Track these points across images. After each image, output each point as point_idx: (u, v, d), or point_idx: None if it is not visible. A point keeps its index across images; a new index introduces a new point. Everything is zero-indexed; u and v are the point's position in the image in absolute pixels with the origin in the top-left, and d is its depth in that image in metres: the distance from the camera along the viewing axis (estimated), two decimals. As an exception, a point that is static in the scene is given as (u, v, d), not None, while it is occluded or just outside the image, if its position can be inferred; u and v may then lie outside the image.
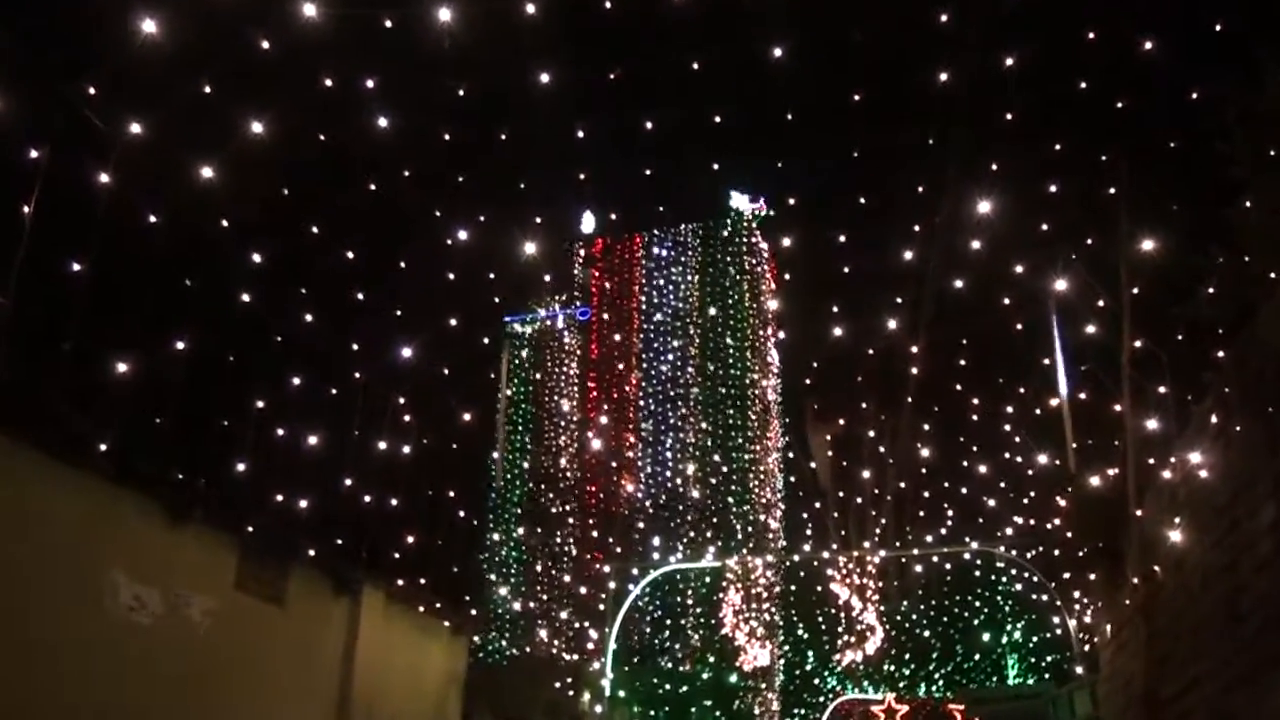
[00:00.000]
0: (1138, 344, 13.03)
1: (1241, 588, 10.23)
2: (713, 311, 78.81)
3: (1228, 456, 10.39)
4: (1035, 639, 46.64)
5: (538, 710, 28.68)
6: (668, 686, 42.75)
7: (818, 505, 52.62)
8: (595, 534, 48.05)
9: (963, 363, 21.33)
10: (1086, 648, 26.87)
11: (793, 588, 54.92)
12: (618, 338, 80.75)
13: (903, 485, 30.54)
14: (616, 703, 35.53)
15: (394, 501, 18.07)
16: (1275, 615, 9.26)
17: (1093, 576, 17.01)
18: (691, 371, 79.81)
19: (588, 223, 77.54)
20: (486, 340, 20.07)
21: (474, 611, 22.18)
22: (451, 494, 20.69)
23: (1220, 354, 10.81)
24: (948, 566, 35.85)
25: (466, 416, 19.24)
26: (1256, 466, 9.49)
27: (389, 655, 20.82)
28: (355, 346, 17.10)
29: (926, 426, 24.70)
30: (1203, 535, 11.41)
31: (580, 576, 38.45)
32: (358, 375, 17.43)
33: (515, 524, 25.39)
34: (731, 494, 66.08)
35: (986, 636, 50.96)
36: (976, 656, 52.61)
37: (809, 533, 41.38)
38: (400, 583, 18.81)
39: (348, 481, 16.83)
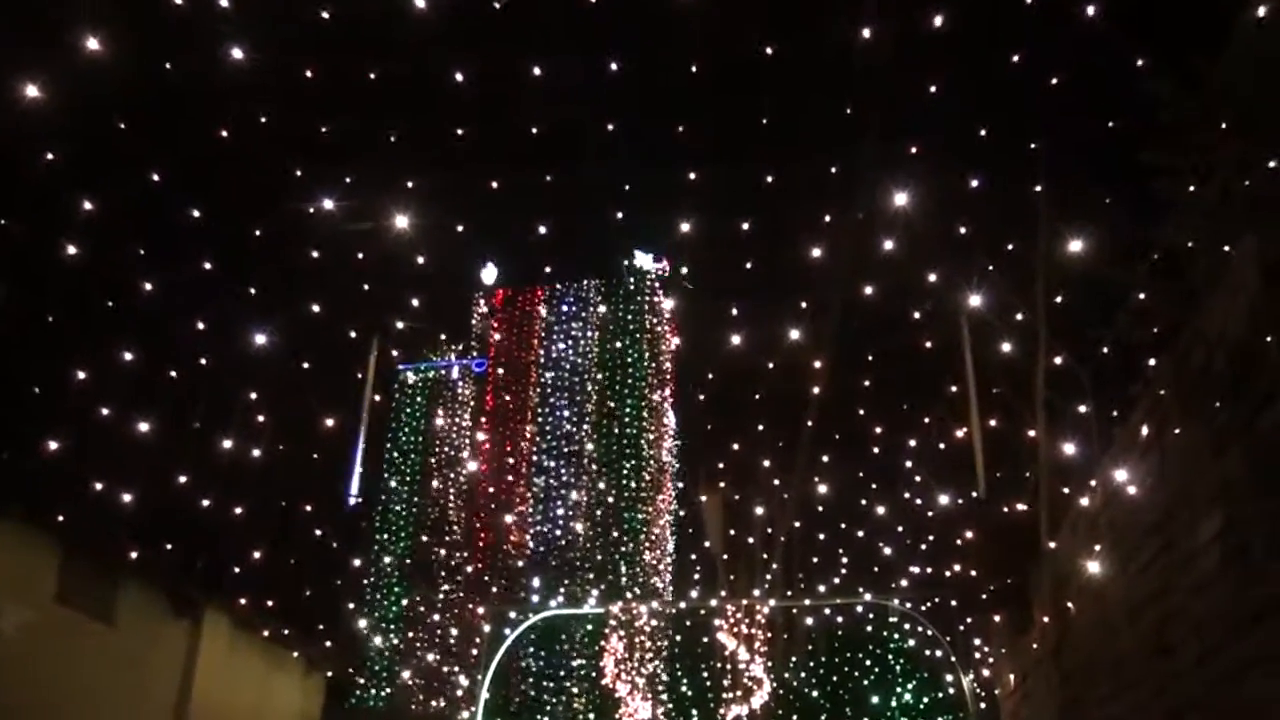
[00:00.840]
0: (1057, 360, 12.28)
1: (1173, 614, 9.44)
2: (609, 371, 78.44)
3: (1162, 469, 9.63)
4: (927, 699, 46.07)
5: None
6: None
7: (706, 544, 51.91)
8: (472, 574, 46.43)
9: (866, 383, 20.39)
10: (984, 704, 26.22)
11: (678, 638, 53.99)
12: (514, 390, 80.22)
13: (797, 525, 29.57)
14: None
15: (239, 510, 16.45)
16: (1215, 642, 8.44)
17: (997, 619, 16.19)
18: (587, 428, 79.82)
19: (489, 274, 77.60)
20: (354, 334, 18.48)
21: (330, 644, 20.51)
22: (308, 508, 19.06)
23: (1152, 362, 10.06)
24: (839, 619, 35.07)
25: (329, 422, 17.68)
26: (1196, 475, 8.73)
27: (233, 688, 19.23)
28: (200, 325, 15.45)
29: (825, 458, 23.72)
30: (1127, 563, 10.65)
31: (453, 618, 36.77)
32: (202, 360, 15.78)
33: (383, 553, 23.67)
34: (621, 547, 65.36)
35: (876, 699, 50.34)
36: (864, 720, 51.99)
37: (696, 577, 40.59)
38: (245, 603, 17.11)
39: (183, 479, 15.15)
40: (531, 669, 63.46)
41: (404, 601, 29.10)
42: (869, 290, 15.23)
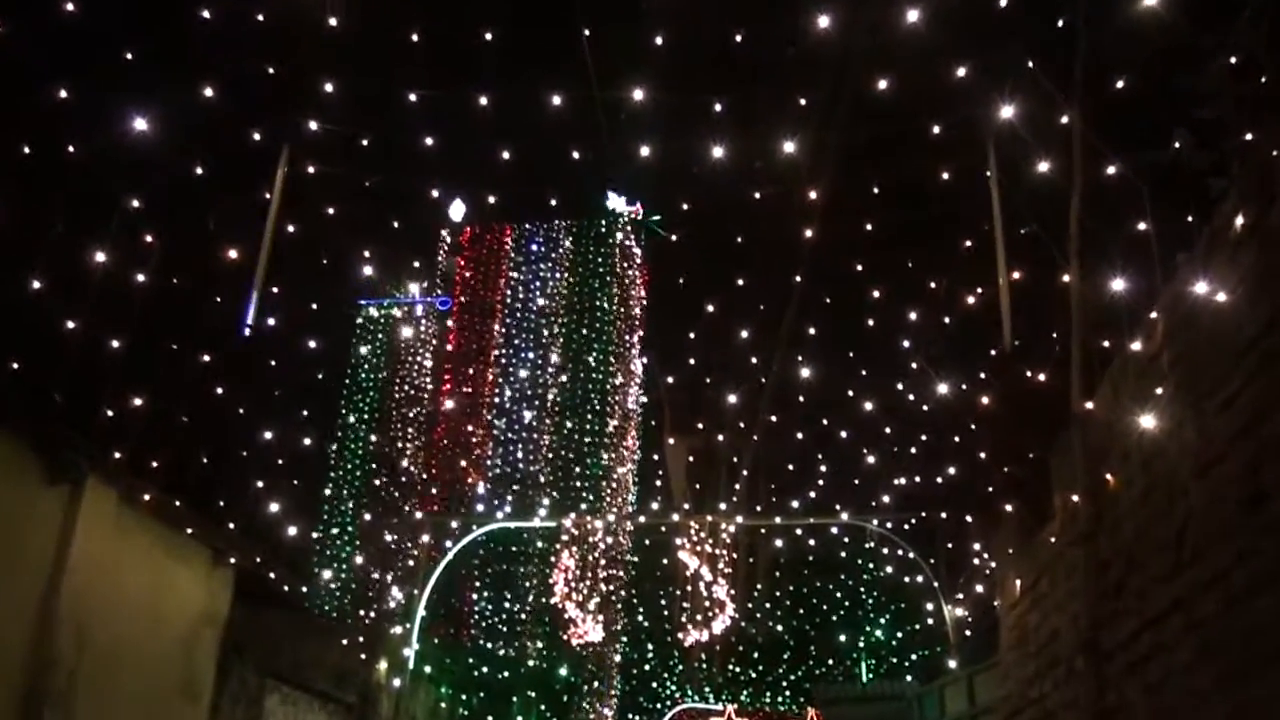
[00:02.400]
0: (1110, 171, 10.25)
1: (1271, 449, 7.48)
2: (577, 314, 78.28)
3: (1263, 267, 7.61)
4: (901, 634, 44.56)
5: (321, 675, 25.02)
6: (485, 669, 39.23)
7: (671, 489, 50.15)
8: (416, 484, 44.36)
9: (868, 228, 18.06)
10: (968, 631, 24.62)
11: (635, 557, 52.33)
12: (479, 329, 79.97)
13: (773, 419, 27.61)
14: (420, 679, 32.04)
15: (115, 344, 14.18)
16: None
17: (1007, 512, 14.28)
18: (552, 371, 79.93)
19: (457, 209, 77.00)
20: (258, 137, 15.94)
21: (235, 530, 18.40)
22: (204, 358, 16.70)
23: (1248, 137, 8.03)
24: (811, 542, 33.37)
25: (232, 254, 15.29)
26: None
27: (117, 572, 17.11)
28: (63, 94, 12.95)
29: (811, 330, 21.64)
30: (1201, 403, 8.68)
31: (388, 520, 34.55)
32: (70, 148, 13.32)
33: (300, 432, 21.68)
34: (582, 481, 64.26)
35: (843, 637, 48.86)
36: (829, 661, 50.52)
37: (656, 506, 38.86)
38: (125, 462, 14.90)
39: (36, 286, 12.79)
40: (475, 585, 62.49)
41: (328, 492, 26.83)
42: (882, 84, 13.05)
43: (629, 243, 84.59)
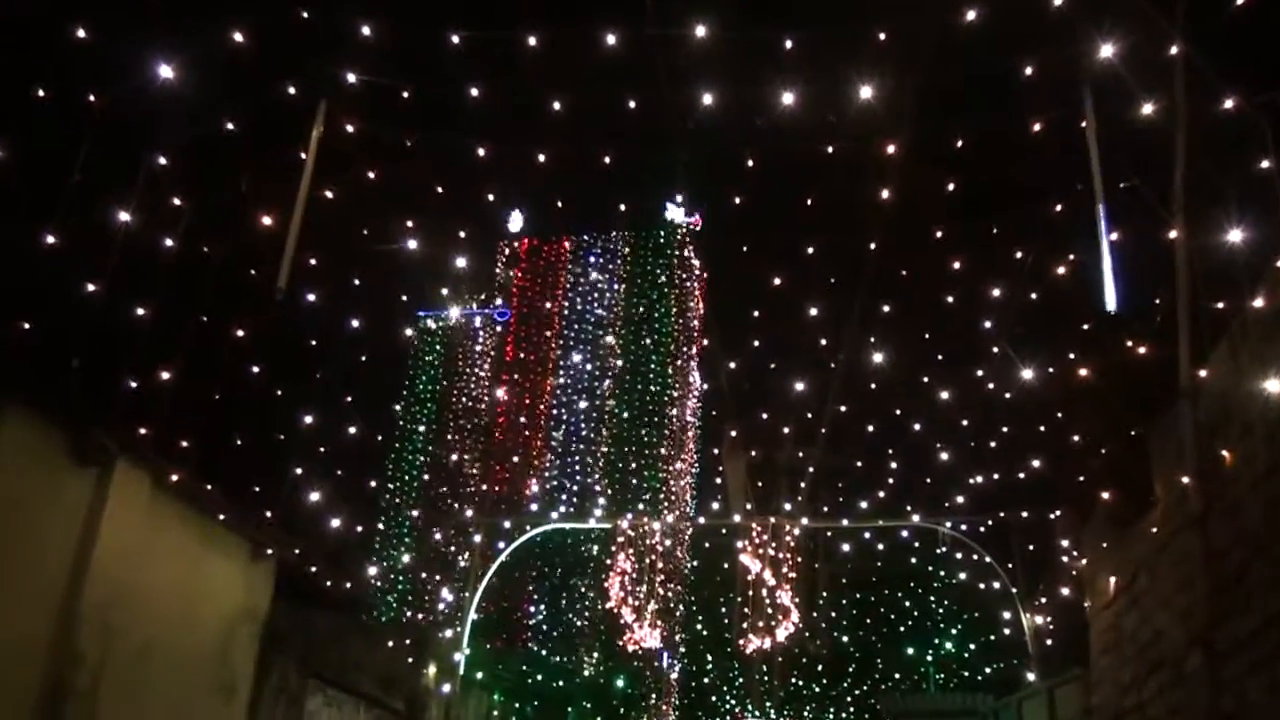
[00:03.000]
0: (1225, 107, 9.17)
1: None
2: (634, 326, 78.93)
3: None
4: (973, 647, 43.12)
5: (366, 677, 24.29)
6: (539, 677, 38.37)
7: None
8: (467, 475, 43.50)
9: (951, 188, 16.73)
10: (1049, 640, 23.37)
11: (694, 560, 51.27)
12: (535, 341, 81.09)
13: (842, 409, 26.39)
14: (471, 686, 31.26)
15: (140, 311, 13.43)
16: None
17: (1105, 496, 13.15)
18: (609, 384, 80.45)
19: (515, 221, 77.94)
20: (293, 90, 15.04)
21: (271, 518, 17.68)
22: (239, 333, 15.94)
23: None
24: (880, 547, 32.14)
25: (266, 220, 14.46)
26: None
27: (149, 563, 16.45)
28: (81, 33, 12.10)
29: (885, 307, 20.44)
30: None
31: (437, 518, 33.63)
32: (90, 94, 12.51)
33: (351, 421, 20.89)
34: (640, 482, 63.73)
35: (911, 650, 47.47)
36: (896, 675, 49.17)
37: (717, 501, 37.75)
38: (151, 439, 14.16)
39: (51, 242, 12.01)
40: (529, 591, 61.89)
41: (374, 485, 26.04)
42: (970, 16, 11.97)
43: (688, 254, 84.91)
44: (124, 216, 12.51)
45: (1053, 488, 19.14)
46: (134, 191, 12.59)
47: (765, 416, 29.73)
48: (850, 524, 27.64)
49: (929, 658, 47.07)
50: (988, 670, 40.17)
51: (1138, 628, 12.83)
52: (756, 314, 22.92)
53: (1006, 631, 28.07)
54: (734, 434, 39.37)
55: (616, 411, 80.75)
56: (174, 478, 14.41)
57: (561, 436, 79.50)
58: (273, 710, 20.40)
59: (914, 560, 38.69)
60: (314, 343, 19.14)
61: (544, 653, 55.45)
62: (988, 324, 18.41)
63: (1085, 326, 13.70)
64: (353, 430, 21.32)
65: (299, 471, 18.90)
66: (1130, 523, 13.00)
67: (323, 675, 22.43)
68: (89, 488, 15.32)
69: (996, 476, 22.69)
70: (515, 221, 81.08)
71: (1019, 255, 16.40)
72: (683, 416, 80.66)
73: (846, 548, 30.66)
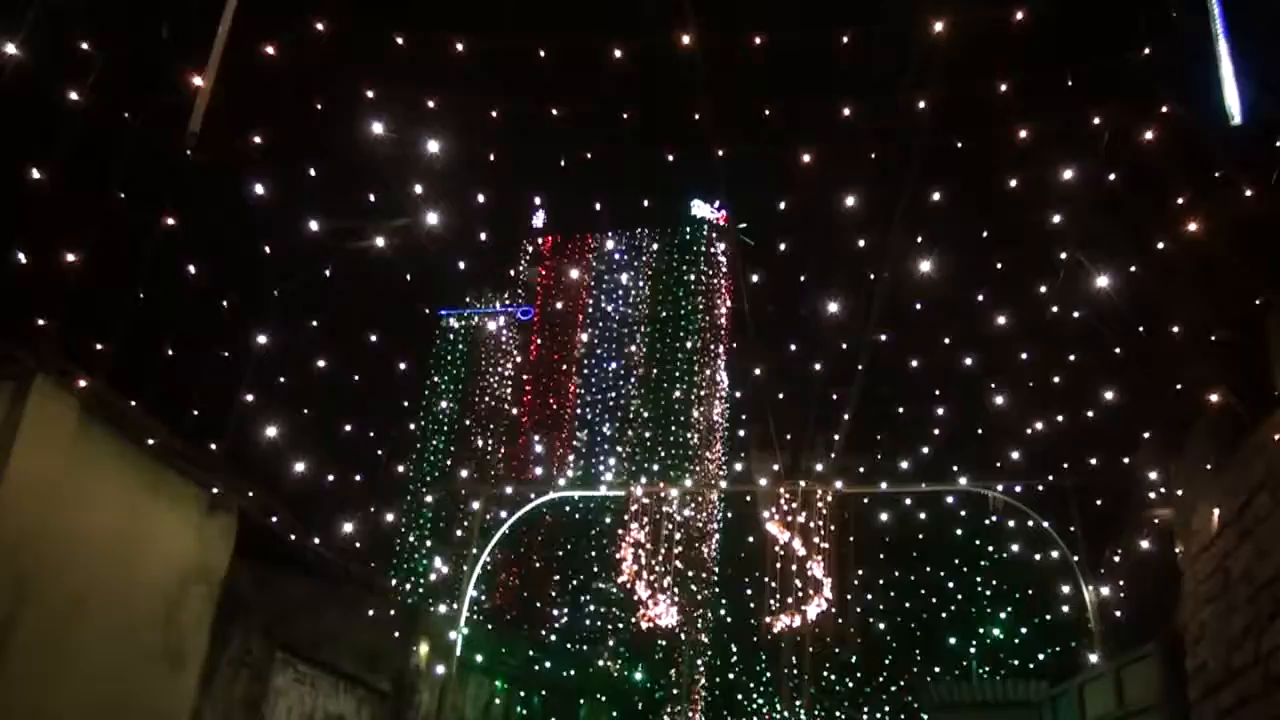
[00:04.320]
0: None
1: None
2: (662, 322, 79.23)
3: None
4: (1024, 630, 40.92)
5: (346, 653, 22.44)
6: (548, 665, 36.40)
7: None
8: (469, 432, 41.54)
9: (1018, 17, 14.25)
10: (1120, 611, 21.31)
11: (716, 530, 49.63)
12: (560, 339, 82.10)
13: (882, 338, 24.15)
14: (470, 670, 29.38)
15: (36, 174, 11.43)
16: None
17: (1213, 398, 11.09)
18: (634, 383, 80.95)
19: (538, 218, 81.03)
20: None
21: (229, 465, 15.77)
22: (170, 222, 13.82)
23: None
24: (922, 516, 29.97)
25: (196, 82, 12.21)
26: None
27: (78, 505, 14.65)
28: None
29: (935, 196, 18.09)
30: None
31: (428, 481, 31.44)
32: None
33: (317, 350, 18.67)
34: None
35: (953, 640, 45.29)
36: (936, 669, 46.99)
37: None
38: (61, 348, 12.22)
39: None
40: (539, 570, 60.32)
41: (348, 428, 23.72)
42: None
43: (714, 250, 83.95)
44: (10, 49, 10.51)
45: (1132, 421, 17.10)
46: (24, 23, 10.60)
47: (793, 348, 27.41)
48: (889, 488, 25.63)
49: (973, 648, 44.94)
50: (1041, 657, 38.03)
51: (1253, 564, 10.81)
52: (782, 205, 20.62)
53: (1065, 609, 25.99)
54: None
55: (642, 409, 79.75)
56: (82, 383, 12.37)
57: (585, 437, 79.05)
58: (230, 684, 18.58)
59: (959, 532, 36.58)
60: (266, 249, 17.17)
61: (554, 638, 53.79)
62: (1057, 218, 16.30)
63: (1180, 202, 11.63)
64: (321, 363, 19.36)
65: (250, 399, 16.88)
66: (1243, 433, 10.95)
67: (293, 648, 20.58)
68: (2, 406, 13.48)
69: (1060, 419, 20.60)
70: (538, 218, 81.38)
71: (1096, 121, 14.28)
72: (709, 415, 79.42)
73: (885, 517, 28.57)
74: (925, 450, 26.07)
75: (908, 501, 27.63)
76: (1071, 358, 19.67)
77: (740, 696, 61.25)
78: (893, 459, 26.07)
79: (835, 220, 18.17)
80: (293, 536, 18.53)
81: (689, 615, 52.42)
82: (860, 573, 40.14)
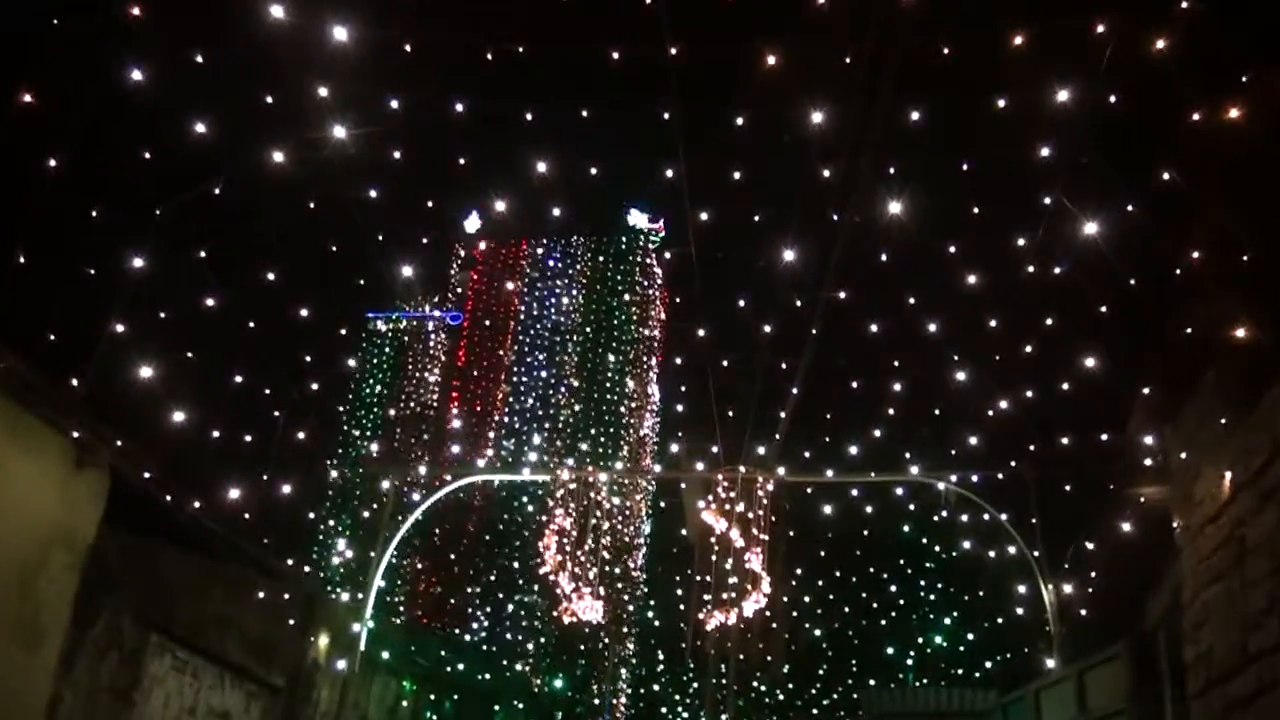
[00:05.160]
0: None
1: None
2: (593, 333, 79.51)
3: None
4: (970, 638, 39.78)
5: (234, 641, 20.67)
6: (460, 666, 34.74)
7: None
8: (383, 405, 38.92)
9: None
10: (1084, 612, 20.18)
11: (646, 518, 48.17)
12: (490, 346, 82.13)
13: (841, 297, 22.67)
14: (375, 668, 27.69)
15: None
16: None
17: (1239, 333, 9.79)
18: (564, 392, 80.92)
19: (472, 222, 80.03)
20: None
21: (95, 412, 14.04)
22: (27, 100, 12.10)
23: None
24: (869, 510, 28.67)
25: None
26: None
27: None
28: None
29: (915, 115, 16.62)
30: None
31: (340, 451, 29.08)
32: None
33: (207, 283, 16.71)
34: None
35: (891, 650, 44.11)
36: (871, 680, 45.79)
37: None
38: None
39: None
40: (454, 565, 58.62)
41: (239, 379, 21.59)
42: None
43: (649, 261, 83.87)
44: None
45: (1113, 391, 15.88)
46: None
47: (741, 304, 25.87)
48: (836, 477, 24.32)
49: (911, 658, 43.81)
50: (988, 665, 36.93)
51: (1278, 532, 9.50)
52: (739, 120, 19.02)
53: (1020, 611, 24.80)
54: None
55: (571, 422, 79.08)
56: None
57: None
58: (96, 666, 16.81)
59: (906, 529, 35.35)
60: (145, 153, 15.36)
61: (468, 638, 52.01)
62: (1045, 151, 15.00)
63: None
64: (210, 301, 17.54)
65: (120, 329, 15.05)
66: (1264, 380, 9.68)
67: (170, 631, 18.81)
68: None
69: (1029, 394, 19.41)
70: (471, 223, 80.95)
71: (1101, 29, 12.96)
72: (639, 427, 78.67)
73: (828, 510, 27.25)
74: (877, 433, 24.85)
75: (854, 492, 26.37)
76: (1049, 322, 18.47)
77: (665, 710, 59.82)
78: (841, 443, 24.81)
79: (797, 141, 16.81)
80: (168, 499, 16.71)
81: (615, 613, 50.97)
82: (799, 572, 38.88)
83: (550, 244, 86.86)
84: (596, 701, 53.59)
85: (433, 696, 32.07)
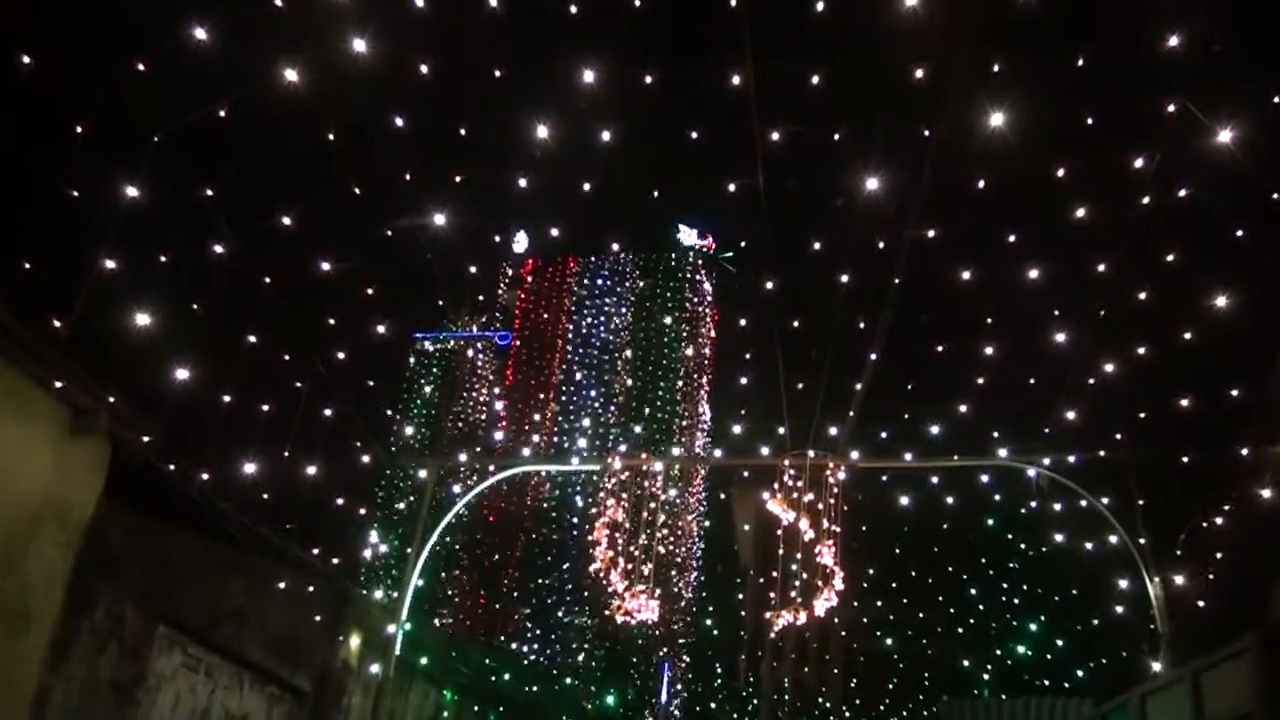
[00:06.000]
0: None
1: None
2: (643, 351, 79.73)
3: None
4: (1059, 644, 37.58)
5: (254, 639, 19.21)
6: (505, 677, 33.15)
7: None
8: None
9: None
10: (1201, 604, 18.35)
11: (706, 511, 46.42)
12: (538, 365, 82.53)
13: (929, 235, 20.52)
14: (414, 674, 26.20)
15: None
16: None
17: None
18: (615, 411, 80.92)
19: (520, 242, 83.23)
20: None
21: (95, 376, 12.60)
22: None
23: None
24: (949, 501, 26.67)
25: None
26: None
27: None
28: None
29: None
30: None
31: (372, 430, 27.14)
32: None
33: (219, 231, 15.21)
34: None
35: (967, 663, 41.90)
36: (944, 696, 43.68)
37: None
38: None
39: None
40: (501, 570, 57.27)
41: (253, 339, 19.69)
42: None
43: (699, 278, 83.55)
44: None
45: (1250, 333, 14.09)
46: None
47: (816, 246, 23.82)
48: (915, 461, 22.52)
49: (988, 672, 41.63)
50: (1079, 675, 34.76)
51: None
52: (817, 6, 17.01)
53: (1119, 610, 22.85)
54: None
55: (622, 439, 78.65)
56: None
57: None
58: (93, 659, 15.37)
59: (990, 522, 33.34)
60: (140, 64, 13.80)
61: (515, 646, 50.31)
62: (1174, 40, 13.13)
63: None
64: (218, 247, 15.95)
65: (111, 266, 13.52)
66: None
67: (181, 624, 17.36)
68: None
69: (1143, 351, 17.54)
70: (520, 242, 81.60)
71: None
72: (691, 447, 77.45)
73: (905, 501, 25.39)
74: (963, 408, 23.00)
75: (934, 480, 24.52)
76: (1169, 258, 16.58)
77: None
78: (922, 421, 22.96)
79: (882, 35, 15.03)
80: (172, 469, 15.22)
81: (669, 616, 49.37)
82: (870, 572, 36.91)
83: (598, 262, 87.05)
84: (650, 717, 51.95)
85: (476, 709, 30.51)
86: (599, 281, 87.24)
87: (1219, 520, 18.46)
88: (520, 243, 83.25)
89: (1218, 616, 18.25)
